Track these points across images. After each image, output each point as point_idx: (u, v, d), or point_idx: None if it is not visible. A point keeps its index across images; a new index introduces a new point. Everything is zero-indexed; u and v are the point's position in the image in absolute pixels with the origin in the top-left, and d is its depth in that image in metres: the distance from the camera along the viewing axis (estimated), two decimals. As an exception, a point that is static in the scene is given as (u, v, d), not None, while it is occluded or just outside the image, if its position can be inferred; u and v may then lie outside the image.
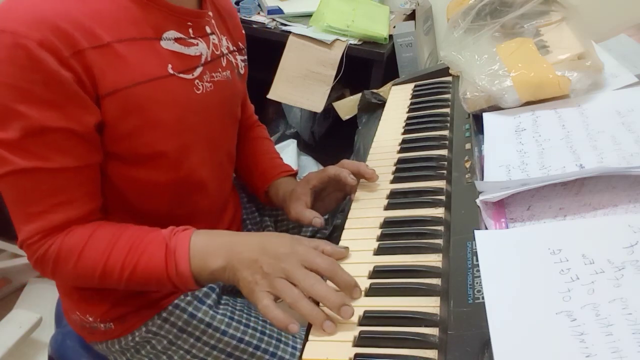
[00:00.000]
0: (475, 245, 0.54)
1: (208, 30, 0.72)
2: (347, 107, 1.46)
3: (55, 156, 0.58)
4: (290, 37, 1.50)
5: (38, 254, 0.61)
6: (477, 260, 0.52)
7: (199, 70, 0.68)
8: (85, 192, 0.63)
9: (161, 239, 0.62)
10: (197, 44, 0.69)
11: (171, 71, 0.64)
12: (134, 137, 0.63)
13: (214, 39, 0.72)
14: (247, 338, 0.74)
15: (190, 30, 0.68)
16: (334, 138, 1.92)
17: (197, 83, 0.68)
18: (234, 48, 0.80)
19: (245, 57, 0.85)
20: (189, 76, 0.67)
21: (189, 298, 0.75)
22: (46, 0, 0.55)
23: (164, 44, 0.64)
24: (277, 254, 0.57)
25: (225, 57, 0.75)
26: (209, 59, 0.70)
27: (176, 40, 0.66)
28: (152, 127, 0.63)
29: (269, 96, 1.51)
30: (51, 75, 0.54)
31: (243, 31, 0.86)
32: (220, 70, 0.73)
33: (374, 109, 1.11)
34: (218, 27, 0.75)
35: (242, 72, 0.82)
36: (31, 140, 0.56)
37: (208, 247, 0.61)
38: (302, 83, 1.50)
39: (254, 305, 0.58)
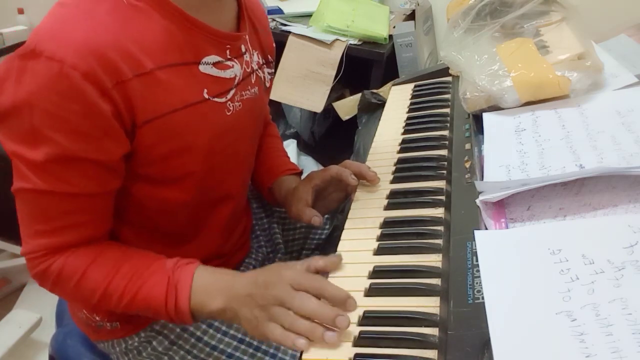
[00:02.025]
0: (475, 245, 0.54)
1: (243, 49, 0.70)
2: (347, 107, 1.46)
3: (76, 182, 0.58)
4: (290, 37, 1.50)
5: (39, 268, 0.61)
6: (477, 261, 0.52)
7: (231, 92, 0.67)
8: (97, 217, 0.63)
9: (164, 271, 0.62)
10: (232, 66, 0.67)
11: (206, 96, 0.63)
12: (165, 161, 0.63)
13: (246, 57, 0.71)
14: (247, 339, 0.74)
15: (228, 52, 0.67)
16: (334, 138, 1.91)
17: (229, 105, 0.67)
18: (263, 61, 0.78)
19: (273, 70, 0.83)
20: (222, 99, 0.66)
21: None
22: (96, 27, 0.54)
23: (202, 68, 0.63)
24: (267, 283, 0.58)
25: (255, 74, 0.74)
26: (241, 79, 0.69)
27: (214, 64, 0.64)
28: (185, 151, 0.63)
29: (269, 96, 1.51)
30: (90, 108, 0.54)
31: (274, 44, 0.84)
32: (249, 88, 0.71)
33: (374, 109, 1.11)
34: (251, 41, 0.73)
35: (267, 85, 0.80)
36: (56, 166, 0.56)
37: (209, 286, 0.61)
38: (302, 83, 1.50)
39: (264, 340, 0.59)
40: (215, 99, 0.65)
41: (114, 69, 0.54)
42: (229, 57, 0.67)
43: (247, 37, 0.72)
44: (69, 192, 0.58)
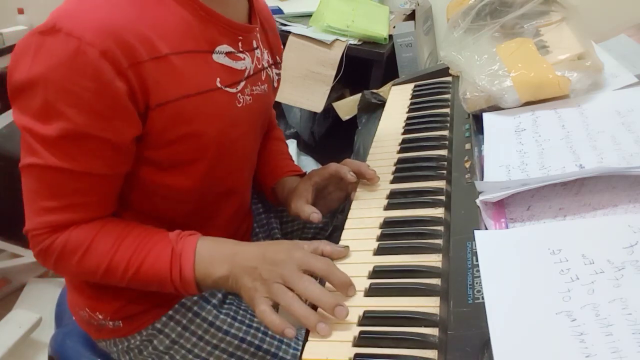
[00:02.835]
0: (475, 246, 0.54)
1: (254, 44, 0.72)
2: (347, 107, 1.47)
3: (86, 161, 0.59)
4: (290, 37, 1.50)
5: (42, 245, 0.62)
6: (477, 261, 0.52)
7: (242, 84, 0.69)
8: (103, 199, 0.64)
9: (167, 241, 0.63)
10: (244, 59, 0.69)
11: (219, 85, 0.65)
12: (174, 146, 0.64)
13: (257, 53, 0.73)
14: (248, 338, 0.74)
15: (240, 44, 0.68)
16: (334, 138, 1.91)
17: (239, 96, 0.68)
18: (272, 61, 0.80)
19: (280, 71, 0.85)
20: (233, 90, 0.67)
21: (195, 298, 0.75)
22: (114, 9, 0.56)
23: (215, 57, 0.65)
24: (275, 260, 0.59)
25: (265, 71, 0.75)
26: (251, 72, 0.71)
27: (227, 54, 0.66)
28: (194, 138, 0.64)
29: (269, 96, 1.51)
30: (105, 86, 0.55)
31: (282, 46, 0.86)
32: (259, 84, 0.73)
33: (374, 109, 1.11)
34: (261, 40, 0.76)
35: (275, 85, 0.82)
36: (68, 142, 0.57)
37: (213, 255, 0.62)
38: (302, 83, 1.50)
39: (253, 311, 0.59)
40: (227, 89, 0.66)
41: (131, 50, 0.55)
42: (240, 49, 0.69)
43: (257, 33, 0.73)
44: (78, 170, 0.59)
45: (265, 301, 0.57)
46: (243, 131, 0.72)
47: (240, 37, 0.68)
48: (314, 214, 0.75)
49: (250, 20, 0.73)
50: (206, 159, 0.68)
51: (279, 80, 0.83)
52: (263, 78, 0.74)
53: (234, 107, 0.68)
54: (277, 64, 0.83)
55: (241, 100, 0.69)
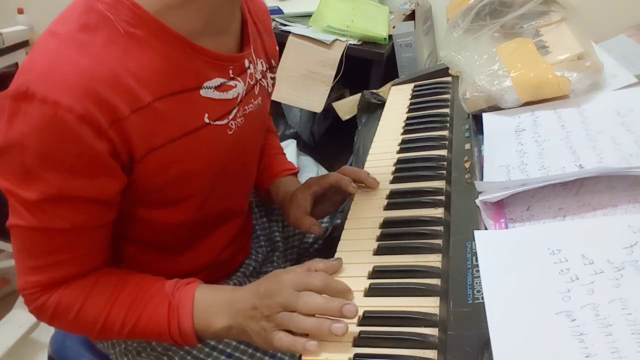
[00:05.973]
0: (475, 246, 0.54)
1: (246, 63, 0.67)
2: (346, 107, 1.46)
3: (70, 218, 0.57)
4: (290, 37, 1.50)
5: (36, 304, 0.61)
6: (476, 261, 0.52)
7: (234, 112, 0.65)
8: (92, 251, 0.62)
9: (164, 294, 0.61)
10: (235, 86, 0.65)
11: (207, 120, 0.62)
12: (165, 188, 0.62)
13: (250, 70, 0.68)
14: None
15: (231, 72, 0.64)
16: (333, 138, 1.91)
17: (231, 124, 0.65)
18: (267, 67, 0.76)
19: (275, 74, 0.80)
20: (224, 121, 0.64)
21: None
22: (91, 63, 0.52)
23: (203, 92, 0.61)
24: (270, 292, 0.57)
25: (258, 84, 0.71)
26: (244, 95, 0.67)
27: (216, 88, 0.62)
28: (186, 178, 0.62)
29: (268, 96, 1.51)
30: (85, 149, 0.52)
31: (277, 46, 0.81)
32: (252, 100, 0.69)
33: (373, 109, 1.11)
34: (255, 49, 0.70)
35: (270, 90, 0.78)
36: (50, 204, 0.55)
37: (211, 305, 0.60)
38: (302, 83, 1.50)
39: (275, 350, 0.58)
40: (217, 122, 0.63)
41: (111, 108, 0.52)
42: (231, 76, 0.65)
43: (251, 48, 0.69)
44: (63, 228, 0.57)
45: (277, 332, 0.55)
46: (237, 154, 0.69)
47: (231, 67, 0.64)
48: (314, 227, 0.74)
49: (242, 39, 0.68)
50: (200, 192, 0.66)
51: (274, 84, 0.80)
52: (256, 92, 0.71)
53: (224, 136, 0.65)
54: (271, 68, 0.79)
55: (232, 127, 0.66)
